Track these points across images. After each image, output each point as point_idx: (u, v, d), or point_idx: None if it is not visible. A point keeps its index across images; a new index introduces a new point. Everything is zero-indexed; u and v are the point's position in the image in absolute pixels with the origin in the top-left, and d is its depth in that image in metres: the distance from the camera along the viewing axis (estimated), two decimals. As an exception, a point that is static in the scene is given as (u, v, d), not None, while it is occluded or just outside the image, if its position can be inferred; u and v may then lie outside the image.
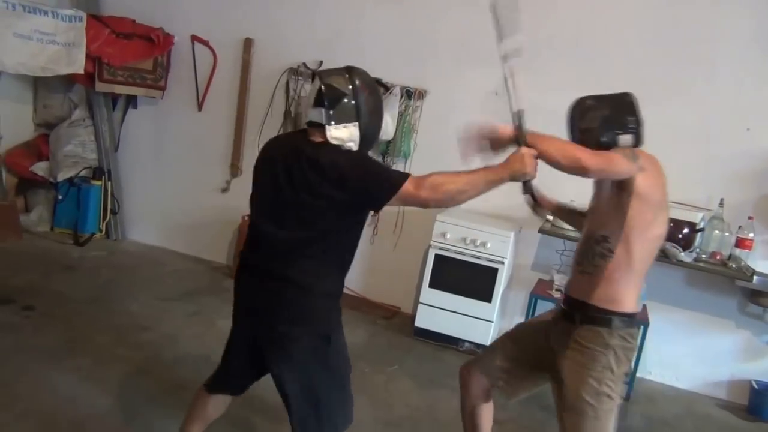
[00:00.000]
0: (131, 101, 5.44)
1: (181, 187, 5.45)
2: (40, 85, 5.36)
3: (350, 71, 2.09)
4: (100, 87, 4.97)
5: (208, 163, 5.30)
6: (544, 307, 4.26)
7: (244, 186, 5.01)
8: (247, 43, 5.06)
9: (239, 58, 5.10)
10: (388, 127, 4.50)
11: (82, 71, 4.74)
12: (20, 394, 2.92)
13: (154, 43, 5.06)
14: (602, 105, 2.19)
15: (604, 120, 2.15)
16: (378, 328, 4.53)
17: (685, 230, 3.91)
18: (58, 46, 4.60)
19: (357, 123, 2.04)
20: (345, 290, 2.24)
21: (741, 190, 4.07)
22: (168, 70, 5.31)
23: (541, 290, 4.21)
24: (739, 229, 3.98)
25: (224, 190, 5.29)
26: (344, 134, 2.03)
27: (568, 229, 4.12)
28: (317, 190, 1.98)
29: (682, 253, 3.84)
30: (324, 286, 2.10)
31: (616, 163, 2.02)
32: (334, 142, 2.03)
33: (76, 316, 3.87)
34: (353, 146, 2.06)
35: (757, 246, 4.01)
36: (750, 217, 3.99)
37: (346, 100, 2.02)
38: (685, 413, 4.03)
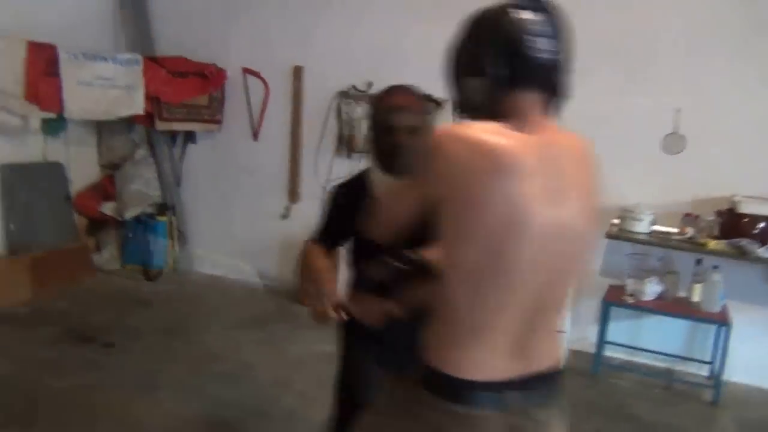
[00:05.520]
0: (190, 136, 5.59)
1: (242, 216, 5.55)
2: (103, 127, 5.57)
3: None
4: (161, 126, 5.14)
5: (266, 191, 5.39)
6: (618, 314, 4.16)
7: (303, 211, 5.11)
8: (297, 71, 5.14)
9: (290, 86, 5.18)
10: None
11: (142, 112, 4.92)
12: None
13: (208, 78, 5.19)
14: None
15: (461, 53, 1.40)
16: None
17: (762, 225, 3.75)
18: (118, 89, 4.79)
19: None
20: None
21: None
22: (223, 104, 5.44)
23: (613, 296, 4.07)
24: (821, 220, 3.78)
25: (284, 216, 5.36)
26: None
27: (636, 232, 4.01)
28: None
29: (760, 249, 3.68)
30: None
31: (388, 210, 1.44)
32: None
33: (153, 350, 3.98)
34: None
35: (842, 236, 3.80)
36: (832, 206, 3.79)
37: None
38: (779, 416, 3.84)
